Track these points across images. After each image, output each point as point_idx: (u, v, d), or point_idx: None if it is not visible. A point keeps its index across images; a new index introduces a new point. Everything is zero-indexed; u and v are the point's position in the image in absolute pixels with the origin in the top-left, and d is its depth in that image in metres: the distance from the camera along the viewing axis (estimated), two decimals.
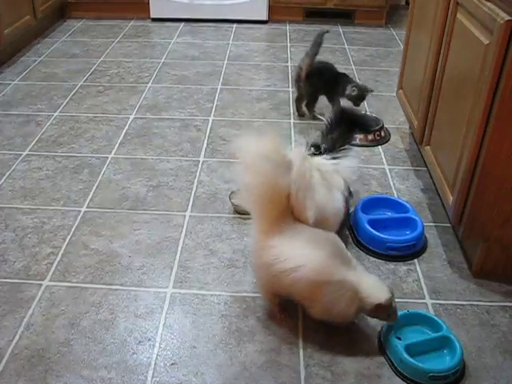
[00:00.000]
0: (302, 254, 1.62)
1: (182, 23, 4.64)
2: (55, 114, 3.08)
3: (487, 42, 1.72)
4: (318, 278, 1.60)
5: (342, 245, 1.70)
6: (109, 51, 4.01)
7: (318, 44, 2.97)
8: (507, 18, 1.60)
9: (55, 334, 1.74)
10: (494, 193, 1.81)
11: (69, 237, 2.15)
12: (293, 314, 1.81)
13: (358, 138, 2.81)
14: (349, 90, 2.87)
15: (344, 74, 3.00)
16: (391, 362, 1.65)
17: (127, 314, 1.82)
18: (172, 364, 1.66)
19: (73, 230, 2.19)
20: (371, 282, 1.65)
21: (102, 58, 3.87)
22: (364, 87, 2.91)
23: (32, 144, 2.78)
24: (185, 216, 2.28)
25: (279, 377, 1.62)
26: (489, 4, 1.75)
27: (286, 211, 1.69)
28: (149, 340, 1.73)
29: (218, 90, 3.41)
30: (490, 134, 1.72)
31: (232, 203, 2.29)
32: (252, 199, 1.69)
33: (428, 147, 2.33)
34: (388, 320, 1.67)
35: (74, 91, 3.36)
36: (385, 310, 1.63)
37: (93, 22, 4.65)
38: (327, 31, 3.06)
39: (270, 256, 1.65)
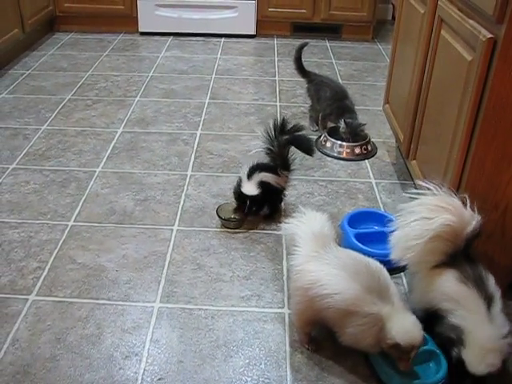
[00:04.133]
0: (338, 283, 1.60)
1: (171, 37, 4.66)
2: (43, 128, 3.07)
3: (470, 58, 1.74)
4: (349, 308, 1.58)
5: (385, 277, 1.65)
6: (97, 65, 4.02)
7: (297, 59, 3.13)
8: (489, 35, 1.63)
9: (41, 350, 1.73)
10: (478, 207, 1.82)
11: (56, 251, 2.14)
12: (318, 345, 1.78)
13: (345, 151, 2.84)
14: (341, 128, 2.90)
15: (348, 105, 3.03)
16: (377, 375, 1.65)
17: (114, 329, 1.82)
18: (159, 379, 1.65)
19: (60, 244, 2.18)
20: (404, 320, 1.58)
21: (90, 72, 3.88)
22: (356, 125, 2.90)
23: (19, 157, 2.77)
24: (172, 230, 2.28)
25: None
26: (471, 21, 1.77)
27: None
28: (136, 355, 1.73)
29: (206, 103, 3.43)
30: (474, 149, 1.74)
31: (219, 217, 2.30)
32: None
33: (414, 161, 2.34)
34: (399, 363, 1.59)
35: (61, 105, 3.36)
36: (400, 352, 1.57)
37: (81, 35, 4.66)
38: (306, 43, 3.17)
39: (307, 280, 1.65)
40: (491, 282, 1.61)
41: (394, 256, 1.74)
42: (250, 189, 2.26)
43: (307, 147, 2.40)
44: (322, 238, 1.74)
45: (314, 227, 1.77)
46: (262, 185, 2.27)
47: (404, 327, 1.56)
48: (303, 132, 2.35)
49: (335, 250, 1.72)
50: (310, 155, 2.48)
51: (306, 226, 1.78)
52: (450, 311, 1.56)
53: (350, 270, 1.62)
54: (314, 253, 1.69)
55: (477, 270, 1.63)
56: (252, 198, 2.25)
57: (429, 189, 1.73)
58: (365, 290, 1.58)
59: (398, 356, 1.58)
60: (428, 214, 1.67)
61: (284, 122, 2.30)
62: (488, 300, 1.55)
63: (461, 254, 1.67)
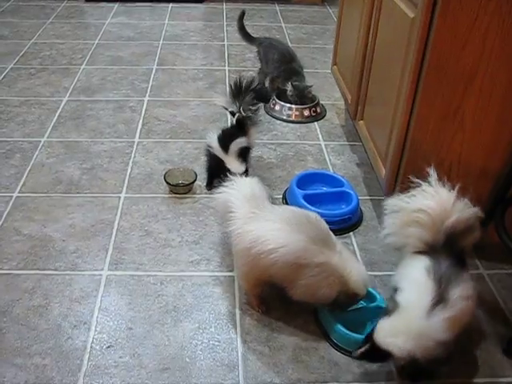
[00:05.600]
0: (283, 236, 1.60)
1: (117, 3, 4.54)
2: None
3: (413, 15, 1.74)
4: (298, 260, 1.58)
5: (326, 226, 1.66)
6: (40, 32, 3.89)
7: (240, 29, 3.22)
8: None
9: None
10: (424, 165, 1.84)
11: (0, 223, 2.09)
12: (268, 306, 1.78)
13: (294, 114, 2.83)
14: (288, 91, 2.89)
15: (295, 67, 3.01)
16: (327, 333, 1.67)
17: (62, 299, 1.79)
18: (108, 347, 1.64)
19: (4, 215, 2.13)
20: (358, 269, 1.62)
21: (33, 40, 3.75)
22: (303, 88, 2.89)
23: None
24: (120, 197, 2.24)
25: (217, 354, 1.63)
26: None
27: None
28: (84, 324, 1.71)
29: (154, 70, 3.37)
30: (418, 106, 1.75)
31: (167, 183, 2.27)
32: None
33: (361, 122, 2.35)
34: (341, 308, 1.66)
35: (3, 74, 3.25)
36: (355, 302, 1.64)
37: (23, 2, 4.50)
38: (243, 12, 3.24)
39: (248, 240, 1.64)
40: (458, 289, 1.46)
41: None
42: (236, 165, 2.20)
43: (265, 95, 2.39)
44: (254, 199, 1.74)
45: (245, 191, 1.78)
46: (241, 151, 2.22)
47: (361, 277, 1.62)
48: (257, 83, 2.34)
49: (271, 208, 1.73)
50: (267, 102, 2.60)
51: (237, 191, 1.78)
52: (401, 290, 1.55)
53: (292, 222, 1.62)
54: (251, 214, 1.69)
55: (452, 270, 1.49)
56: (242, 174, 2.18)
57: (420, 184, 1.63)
58: (311, 241, 1.58)
59: (348, 305, 1.65)
60: (410, 198, 1.63)
61: (242, 80, 2.26)
62: (438, 300, 1.43)
63: (443, 247, 1.54)
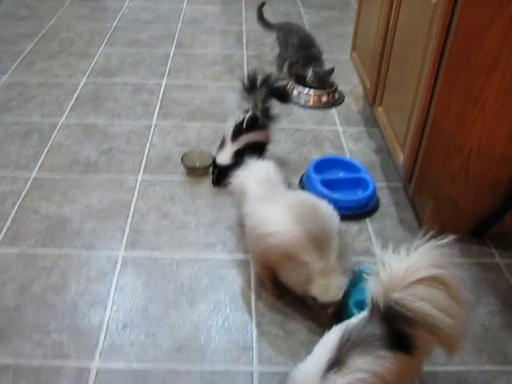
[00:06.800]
0: (281, 223, 1.61)
1: None
2: (3, 79, 2.98)
3: (435, 0, 1.72)
4: (287, 250, 1.59)
5: (332, 226, 1.63)
6: (59, 14, 3.89)
7: (260, 18, 3.19)
8: None
9: (4, 300, 1.71)
10: (443, 151, 1.84)
11: (18, 202, 2.11)
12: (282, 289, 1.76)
13: (312, 99, 2.82)
14: (308, 77, 2.87)
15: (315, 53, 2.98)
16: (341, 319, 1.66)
17: (78, 278, 1.80)
18: (124, 326, 1.65)
19: (22, 195, 2.14)
20: (330, 281, 1.59)
21: (51, 22, 3.76)
22: (324, 74, 2.87)
23: None
24: (137, 179, 2.25)
25: (232, 335, 1.63)
26: None
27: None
28: (100, 303, 1.72)
29: (172, 53, 3.36)
30: (439, 92, 1.73)
31: (184, 165, 2.27)
32: None
33: (380, 108, 2.34)
34: (319, 316, 1.66)
35: (22, 55, 3.26)
36: (319, 306, 1.63)
37: None
38: (263, 3, 3.22)
39: (254, 220, 1.66)
40: (362, 361, 1.21)
41: None
42: (222, 156, 2.19)
43: (283, 95, 2.36)
44: (269, 182, 1.76)
45: (260, 174, 1.78)
46: (249, 146, 2.19)
47: (327, 289, 1.59)
48: (276, 80, 2.30)
49: (284, 192, 1.74)
50: (286, 103, 2.48)
51: (252, 174, 1.79)
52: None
53: (295, 210, 1.62)
54: (263, 197, 1.71)
55: (369, 339, 1.25)
56: (221, 167, 2.18)
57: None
58: (305, 235, 1.58)
59: (318, 309, 1.64)
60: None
61: (257, 75, 2.24)
62: (334, 363, 1.21)
63: (383, 314, 1.26)
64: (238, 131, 2.20)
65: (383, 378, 1.22)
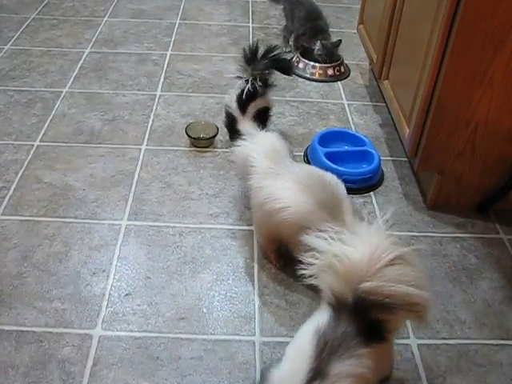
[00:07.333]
0: (290, 196, 1.60)
1: None
2: (6, 47, 2.96)
3: None
4: (300, 222, 1.57)
5: (339, 192, 1.64)
6: None
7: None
8: None
9: (7, 268, 1.72)
10: (449, 125, 1.82)
11: (21, 171, 2.10)
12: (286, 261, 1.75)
13: (317, 72, 2.79)
14: (316, 50, 2.84)
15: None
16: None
17: (81, 247, 1.80)
18: (126, 294, 1.65)
19: (25, 164, 2.14)
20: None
21: None
22: (331, 47, 2.84)
23: None
24: (140, 149, 2.24)
25: (234, 306, 1.64)
26: None
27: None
28: (103, 271, 1.72)
29: (177, 24, 3.32)
30: (446, 65, 1.71)
31: (189, 136, 2.26)
32: None
33: (386, 81, 2.31)
34: None
35: (25, 24, 3.23)
36: None
37: None
38: None
39: (262, 195, 1.65)
40: (341, 365, 1.14)
41: None
42: (249, 128, 2.10)
43: (286, 67, 2.33)
44: (274, 154, 1.73)
45: (265, 145, 1.76)
46: (259, 112, 2.17)
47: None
48: (279, 52, 2.26)
49: (290, 165, 1.71)
50: (290, 75, 2.45)
51: (257, 146, 1.77)
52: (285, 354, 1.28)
53: (303, 182, 1.62)
54: (270, 169, 1.69)
55: (345, 339, 1.18)
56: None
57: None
58: (317, 205, 1.57)
59: None
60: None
61: (258, 47, 2.19)
62: (314, 374, 1.13)
63: (352, 308, 1.20)
64: (243, 104, 2.16)
65: (366, 378, 1.18)
